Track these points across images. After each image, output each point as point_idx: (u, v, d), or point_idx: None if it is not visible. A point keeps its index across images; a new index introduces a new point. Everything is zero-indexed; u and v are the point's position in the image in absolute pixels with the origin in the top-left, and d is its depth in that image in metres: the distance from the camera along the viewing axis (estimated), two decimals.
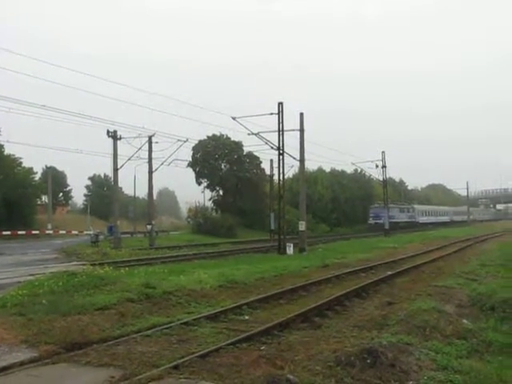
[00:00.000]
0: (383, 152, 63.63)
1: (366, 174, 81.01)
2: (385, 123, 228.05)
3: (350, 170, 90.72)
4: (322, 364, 8.13)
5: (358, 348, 8.66)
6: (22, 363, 9.01)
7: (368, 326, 11.59)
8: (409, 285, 18.83)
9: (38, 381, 8.11)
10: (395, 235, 59.00)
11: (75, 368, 8.62)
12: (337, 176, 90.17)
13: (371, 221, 76.73)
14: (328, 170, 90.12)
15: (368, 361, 8.12)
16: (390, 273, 21.84)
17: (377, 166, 63.03)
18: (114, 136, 41.69)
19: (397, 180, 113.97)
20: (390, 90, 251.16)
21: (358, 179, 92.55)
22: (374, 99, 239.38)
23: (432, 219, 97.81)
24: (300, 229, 37.43)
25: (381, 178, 65.37)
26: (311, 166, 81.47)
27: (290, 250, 34.85)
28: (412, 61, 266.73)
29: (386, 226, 63.18)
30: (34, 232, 52.86)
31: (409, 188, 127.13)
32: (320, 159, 76.76)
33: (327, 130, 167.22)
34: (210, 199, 76.00)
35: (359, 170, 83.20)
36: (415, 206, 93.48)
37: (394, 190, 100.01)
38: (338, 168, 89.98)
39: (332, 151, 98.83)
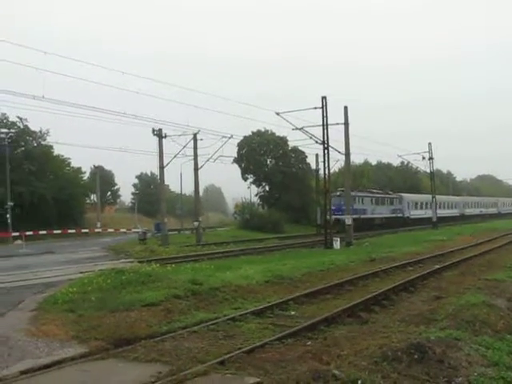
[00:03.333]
0: (430, 143, 62.51)
1: (413, 166, 79.18)
2: (432, 113, 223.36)
3: (396, 162, 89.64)
4: (368, 359, 8.03)
5: (405, 343, 8.53)
6: (72, 358, 9.23)
7: (415, 321, 11.42)
8: (458, 278, 18.49)
9: (88, 375, 8.26)
10: (444, 227, 57.90)
11: (123, 363, 8.77)
12: (383, 169, 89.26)
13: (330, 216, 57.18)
14: (374, 162, 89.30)
15: (415, 356, 7.99)
16: (438, 266, 21.50)
17: (423, 158, 62.06)
18: (159, 134, 42.22)
19: (444, 172, 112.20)
20: (436, 77, 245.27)
21: (405, 172, 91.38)
22: (419, 89, 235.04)
23: (431, 213, 69.15)
24: (346, 223, 37.32)
25: (428, 170, 64.20)
26: (357, 159, 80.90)
27: (336, 244, 34.71)
28: (461, 44, 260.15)
29: (434, 219, 61.74)
30: (83, 230, 53.91)
31: (457, 180, 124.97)
32: (366, 152, 76.21)
33: (373, 122, 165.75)
34: (256, 195, 76.27)
35: (406, 163, 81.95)
36: (403, 196, 70.31)
37: (442, 182, 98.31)
38: (385, 161, 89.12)
39: (378, 144, 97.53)
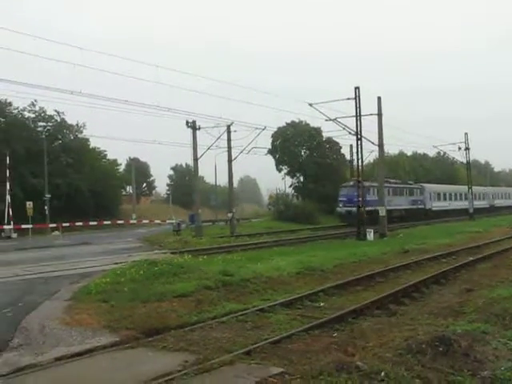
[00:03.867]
0: (466, 134, 61.56)
1: (449, 156, 77.84)
2: (469, 102, 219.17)
3: (432, 153, 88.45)
4: (393, 351, 8.05)
5: (431, 336, 8.51)
6: (104, 347, 9.50)
7: (444, 314, 11.40)
8: (491, 271, 18.24)
9: (118, 363, 8.51)
10: (481, 219, 56.98)
11: (152, 352, 8.98)
12: (419, 159, 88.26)
13: (340, 208, 52.87)
14: (409, 153, 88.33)
15: (440, 349, 7.98)
16: (471, 258, 21.26)
17: (459, 149, 61.20)
18: (193, 126, 42.53)
19: (482, 162, 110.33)
20: (470, 66, 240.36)
21: (441, 162, 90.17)
22: (456, 78, 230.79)
23: (456, 204, 68.64)
24: (380, 214, 37.26)
25: (464, 161, 63.30)
26: (392, 150, 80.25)
27: (370, 235, 34.57)
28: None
29: (471, 210, 60.82)
30: (119, 222, 54.67)
31: (495, 170, 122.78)
32: (400, 143, 75.45)
33: (409, 112, 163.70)
34: (290, 186, 76.27)
35: (442, 153, 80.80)
36: (425, 186, 64.76)
37: (479, 173, 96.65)
38: (420, 151, 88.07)
39: (414, 134, 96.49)
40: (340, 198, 53.32)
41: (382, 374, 7.15)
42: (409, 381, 6.97)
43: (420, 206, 61.38)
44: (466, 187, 67.58)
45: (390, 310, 12.34)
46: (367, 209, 42.23)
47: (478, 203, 71.71)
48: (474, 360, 7.82)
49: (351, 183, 50.38)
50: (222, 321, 11.15)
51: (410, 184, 62.80)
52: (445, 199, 68.02)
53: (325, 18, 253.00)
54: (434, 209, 63.87)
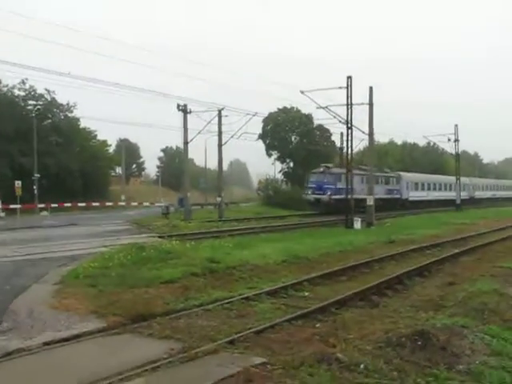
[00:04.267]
0: (456, 125, 61.94)
1: (439, 147, 78.12)
2: (459, 93, 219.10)
3: (422, 143, 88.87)
4: (373, 344, 8.28)
5: (411, 329, 8.75)
6: (91, 332, 9.64)
7: (425, 307, 11.63)
8: (474, 264, 18.51)
9: (105, 349, 8.70)
10: (468, 210, 57.42)
11: (138, 339, 9.18)
12: (408, 149, 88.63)
13: (309, 194, 49.94)
14: (399, 142, 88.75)
15: (419, 343, 8.20)
16: (456, 251, 21.51)
17: (449, 140, 61.53)
18: (184, 110, 42.53)
19: (471, 153, 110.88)
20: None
21: (430, 153, 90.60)
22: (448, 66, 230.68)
23: (435, 195, 67.22)
24: (368, 203, 37.43)
25: (454, 152, 63.67)
26: (383, 138, 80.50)
27: (357, 224, 34.81)
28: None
29: (458, 201, 61.15)
30: (107, 203, 54.67)
31: (484, 162, 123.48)
32: (391, 132, 75.70)
33: (400, 102, 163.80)
34: (280, 171, 76.49)
35: (432, 144, 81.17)
36: (402, 175, 61.75)
37: (468, 164, 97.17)
38: (410, 141, 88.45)
39: (404, 124, 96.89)
40: (309, 185, 51.45)
41: (362, 366, 7.38)
42: (387, 373, 7.21)
43: (396, 196, 58.69)
44: (447, 177, 68.54)
45: (372, 302, 12.55)
46: (337, 197, 44.10)
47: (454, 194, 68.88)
48: (451, 354, 8.06)
49: (321, 169, 50.77)
50: (208, 308, 11.32)
51: (386, 172, 59.59)
52: (423, 189, 65.48)
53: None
54: (410, 199, 61.30)
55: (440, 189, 68.80)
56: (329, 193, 47.69)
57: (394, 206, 55.45)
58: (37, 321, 10.21)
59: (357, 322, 10.21)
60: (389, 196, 56.32)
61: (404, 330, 8.93)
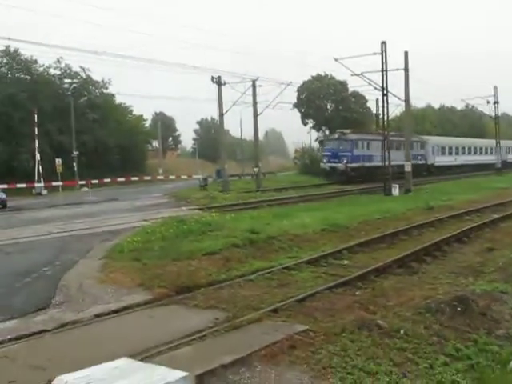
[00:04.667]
0: (495, 87, 60.46)
1: (478, 110, 76.22)
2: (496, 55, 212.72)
3: (460, 106, 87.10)
4: (413, 310, 8.45)
5: (450, 296, 8.90)
6: (138, 304, 10.04)
7: (464, 273, 11.71)
8: None
9: (152, 320, 9.06)
10: (508, 174, 56.28)
11: (184, 310, 9.53)
12: (446, 113, 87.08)
13: (324, 163, 48.62)
14: (437, 106, 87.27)
15: (458, 308, 8.35)
16: (496, 216, 21.32)
17: (488, 102, 60.18)
18: (218, 82, 42.68)
19: None
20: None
21: (469, 116, 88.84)
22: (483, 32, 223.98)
23: (463, 159, 63.00)
24: (405, 169, 37.23)
25: (493, 114, 62.37)
26: (420, 103, 79.28)
27: (395, 190, 34.71)
28: None
29: (498, 165, 59.84)
30: (146, 178, 55.34)
31: None
32: (428, 97, 74.49)
33: (437, 67, 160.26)
34: (316, 139, 76.16)
35: (470, 107, 79.46)
36: (427, 139, 58.88)
37: (509, 127, 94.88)
38: (448, 105, 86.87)
39: (441, 88, 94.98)
40: (324, 153, 49.69)
41: (401, 331, 7.58)
42: (426, 338, 7.39)
43: (420, 162, 54.48)
44: (480, 140, 65.49)
45: (411, 269, 12.65)
46: (354, 165, 42.19)
47: (486, 158, 66.39)
48: (490, 319, 8.21)
49: (336, 136, 48.71)
50: (250, 279, 11.61)
51: (414, 136, 53.77)
52: (450, 154, 61.95)
53: None
54: (436, 164, 58.14)
55: (470, 153, 65.29)
56: (345, 161, 45.55)
57: (418, 172, 49.00)
58: (87, 294, 10.67)
59: (396, 289, 10.36)
60: (413, 162, 49.07)
61: (443, 296, 9.08)
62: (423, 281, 11.11)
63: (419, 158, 54.89)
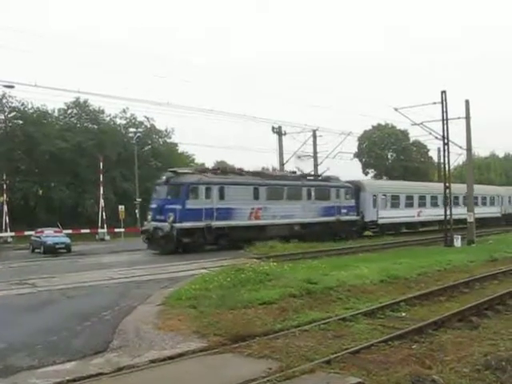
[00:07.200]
0: None
1: None
2: None
3: None
4: (471, 367, 8.23)
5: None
6: (193, 351, 10.11)
7: None
8: None
9: (207, 368, 9.11)
10: None
11: (238, 358, 9.53)
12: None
13: (149, 222, 32.04)
14: (502, 155, 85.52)
15: None
16: None
17: None
18: (278, 132, 43.34)
19: None
20: None
21: None
22: None
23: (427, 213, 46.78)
24: (468, 220, 36.41)
25: None
26: (483, 152, 77.91)
27: (457, 242, 33.94)
28: None
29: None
30: None
31: None
32: (491, 144, 73.21)
33: (498, 112, 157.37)
34: None
35: None
36: (365, 183, 45.80)
37: None
38: None
39: (505, 135, 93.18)
40: (151, 205, 33.00)
41: None
42: None
43: (352, 216, 41.02)
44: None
45: (471, 323, 12.27)
46: (190, 225, 29.98)
47: (484, 210, 51.39)
48: None
49: (164, 178, 32.67)
50: (305, 329, 11.52)
51: (332, 181, 41.39)
52: (411, 206, 46.78)
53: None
54: (380, 221, 43.64)
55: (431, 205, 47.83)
56: (171, 218, 30.11)
57: (326, 233, 38.71)
58: (143, 340, 10.86)
59: (454, 343, 10.09)
60: (324, 218, 39.08)
61: (504, 353, 8.80)
62: (484, 336, 10.77)
63: (333, 211, 39.82)
